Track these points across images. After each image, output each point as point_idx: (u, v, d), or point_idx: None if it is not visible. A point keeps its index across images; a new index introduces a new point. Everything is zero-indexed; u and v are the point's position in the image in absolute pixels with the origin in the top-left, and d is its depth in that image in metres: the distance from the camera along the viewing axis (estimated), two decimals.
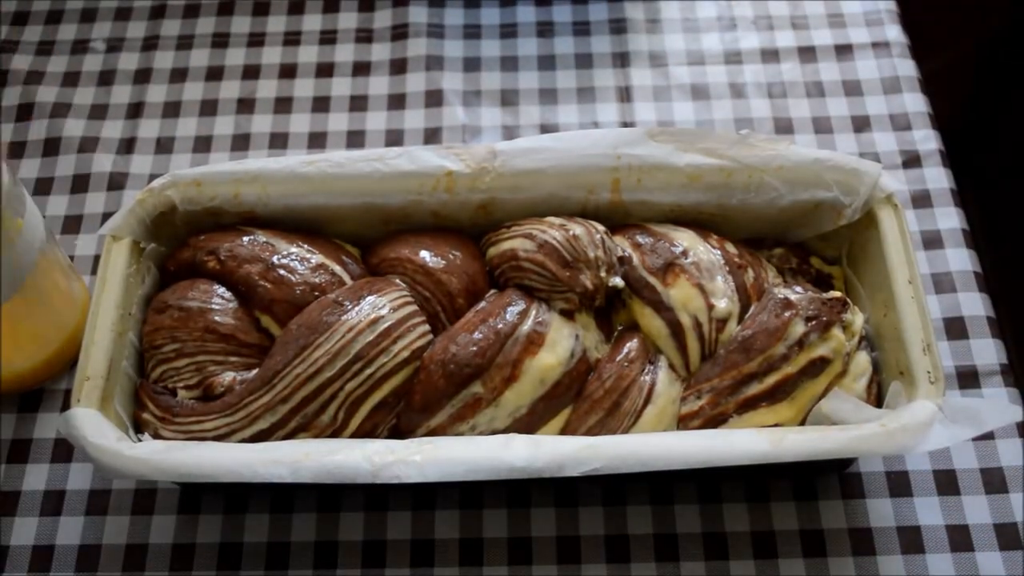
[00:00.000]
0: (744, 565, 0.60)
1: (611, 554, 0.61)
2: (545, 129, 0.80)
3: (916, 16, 0.88)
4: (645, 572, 0.60)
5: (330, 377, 0.55)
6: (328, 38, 0.86)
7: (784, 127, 0.79)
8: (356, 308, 0.57)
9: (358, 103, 0.82)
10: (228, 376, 0.57)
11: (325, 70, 0.84)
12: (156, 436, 0.56)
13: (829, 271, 0.65)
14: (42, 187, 0.77)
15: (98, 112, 0.82)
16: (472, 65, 0.84)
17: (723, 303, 0.59)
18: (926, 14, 0.93)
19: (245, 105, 0.82)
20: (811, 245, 0.65)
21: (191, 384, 0.58)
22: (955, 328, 0.68)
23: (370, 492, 0.63)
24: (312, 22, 0.87)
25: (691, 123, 0.80)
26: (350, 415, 0.56)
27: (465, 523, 0.62)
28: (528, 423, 0.57)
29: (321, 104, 0.82)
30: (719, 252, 0.61)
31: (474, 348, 0.57)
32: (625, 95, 0.82)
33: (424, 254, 0.60)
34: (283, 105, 0.82)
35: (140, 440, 0.56)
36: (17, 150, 0.79)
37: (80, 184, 0.77)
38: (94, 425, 0.53)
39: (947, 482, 0.62)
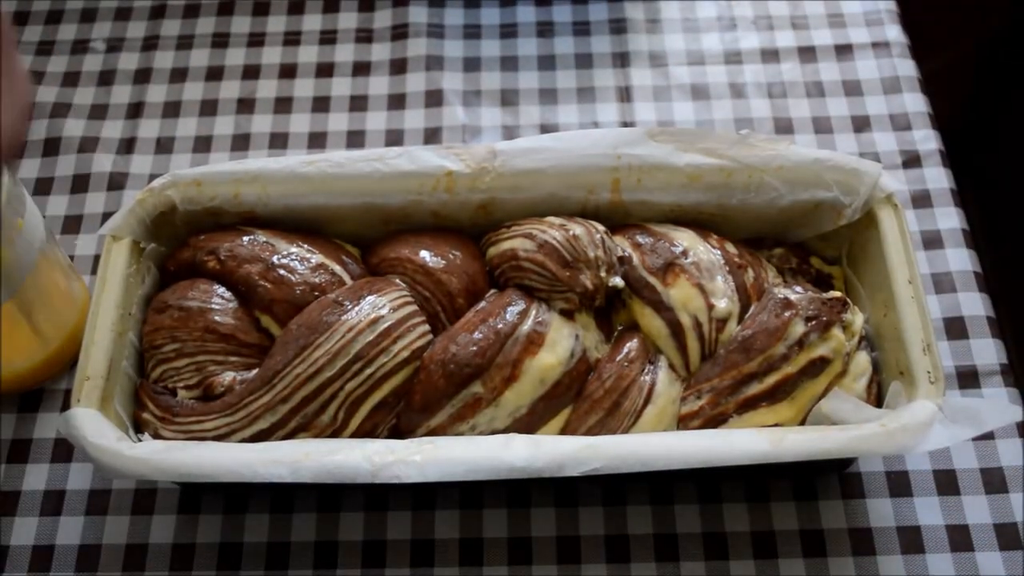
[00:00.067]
0: (744, 565, 0.60)
1: (611, 554, 0.61)
2: (545, 129, 0.80)
3: (916, 16, 0.88)
4: (645, 572, 0.60)
5: (330, 377, 0.55)
6: (328, 38, 0.86)
7: (784, 127, 0.79)
8: (356, 308, 0.57)
9: (358, 103, 0.82)
10: (228, 376, 0.57)
11: (325, 70, 0.84)
12: (156, 436, 0.56)
13: (829, 271, 0.65)
14: (42, 187, 0.77)
15: (98, 112, 0.81)
16: (472, 65, 0.84)
17: (723, 303, 0.59)
18: (926, 14, 0.93)
19: (245, 105, 0.82)
20: (811, 245, 0.65)
21: (191, 384, 0.58)
22: (955, 328, 0.68)
23: (370, 492, 0.63)
24: (312, 22, 0.87)
25: (691, 123, 0.80)
26: (350, 415, 0.56)
27: (465, 523, 0.62)
28: (528, 423, 0.57)
29: (321, 104, 0.82)
30: (719, 252, 0.61)
31: (474, 348, 0.57)
32: (625, 95, 0.82)
33: (424, 254, 0.60)
34: (283, 105, 0.82)
35: (140, 440, 0.56)
36: None
37: (80, 184, 0.77)
38: (94, 425, 0.53)
39: (947, 482, 0.62)
